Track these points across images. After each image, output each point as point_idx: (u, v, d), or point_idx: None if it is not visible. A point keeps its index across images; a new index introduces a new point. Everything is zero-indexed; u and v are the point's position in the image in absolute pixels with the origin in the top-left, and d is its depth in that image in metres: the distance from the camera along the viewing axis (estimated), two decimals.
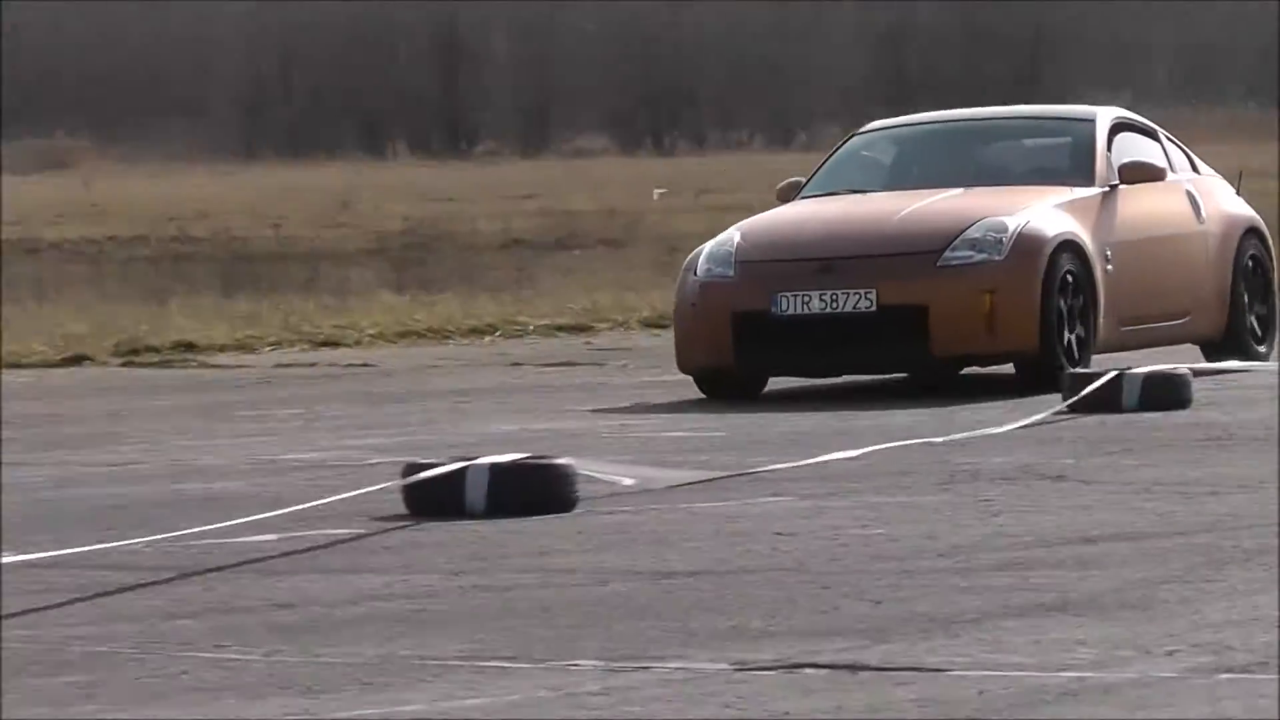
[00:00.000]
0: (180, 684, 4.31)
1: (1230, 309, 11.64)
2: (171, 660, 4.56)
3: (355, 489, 6.71)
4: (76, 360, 14.11)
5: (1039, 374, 10.08)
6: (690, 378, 10.64)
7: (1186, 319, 11.49)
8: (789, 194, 11.63)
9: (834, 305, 10.16)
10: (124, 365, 14.14)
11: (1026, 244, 10.21)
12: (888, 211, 10.86)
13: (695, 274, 10.70)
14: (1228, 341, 11.64)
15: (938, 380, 10.58)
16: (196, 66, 67.69)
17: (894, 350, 10.22)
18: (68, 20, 67.67)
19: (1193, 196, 11.78)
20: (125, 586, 5.58)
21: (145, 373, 13.81)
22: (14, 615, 5.13)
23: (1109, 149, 11.39)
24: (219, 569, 5.83)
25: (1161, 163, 11.69)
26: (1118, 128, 11.76)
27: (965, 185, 11.19)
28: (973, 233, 10.22)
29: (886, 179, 11.67)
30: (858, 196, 11.35)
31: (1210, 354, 11.62)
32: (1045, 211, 10.60)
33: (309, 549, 6.19)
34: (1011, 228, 10.25)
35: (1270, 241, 12.29)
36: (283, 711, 4.01)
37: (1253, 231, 12.08)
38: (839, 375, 10.63)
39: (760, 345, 10.37)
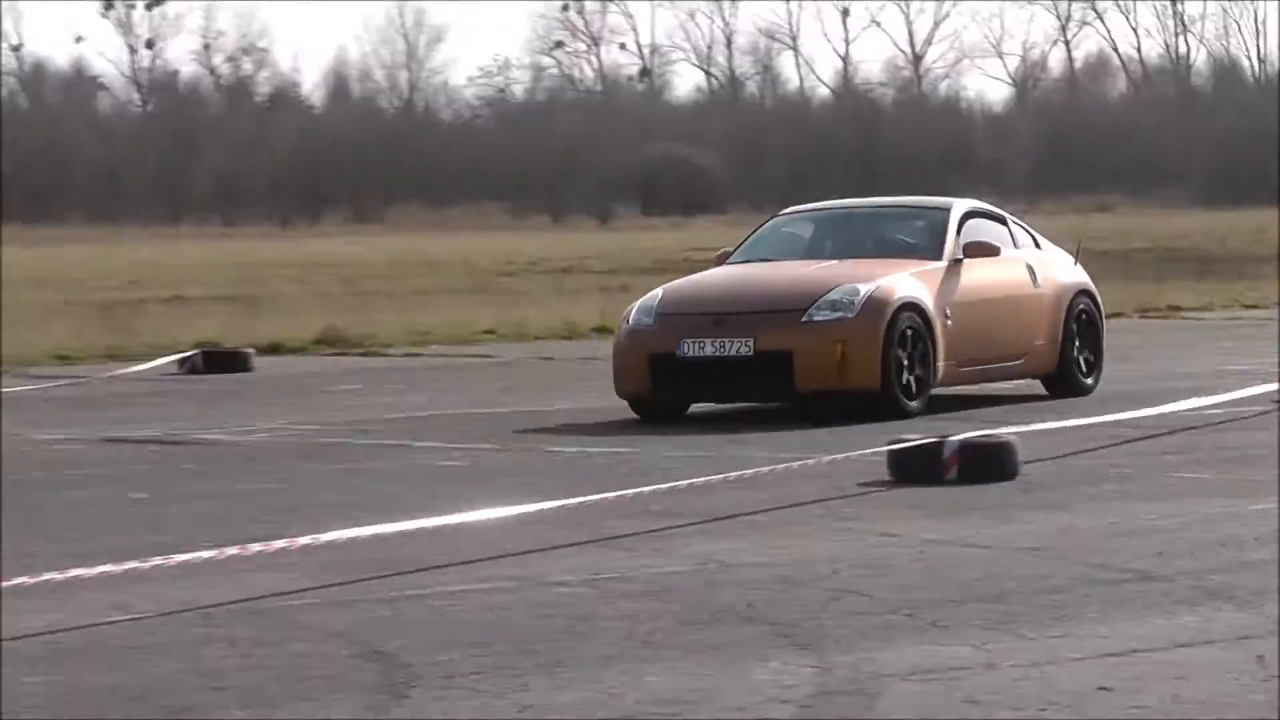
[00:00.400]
0: None
1: (1060, 352, 14.65)
2: None
3: None
4: None
5: (881, 406, 13.00)
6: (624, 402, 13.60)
7: (1022, 359, 14.44)
8: (720, 260, 14.70)
9: (721, 350, 13.12)
10: None
11: (874, 305, 13.08)
12: (773, 277, 13.85)
13: (628, 321, 13.66)
14: (1059, 376, 14.69)
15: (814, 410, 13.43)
16: None
17: (767, 386, 13.16)
18: None
19: (1031, 267, 14.78)
20: None
21: None
22: None
23: (958, 231, 14.35)
24: None
25: (1001, 242, 14.64)
26: (970, 215, 14.76)
27: (849, 257, 14.16)
28: (832, 295, 13.11)
29: (791, 251, 14.62)
30: (762, 264, 14.33)
31: (1048, 385, 14.68)
32: (897, 279, 13.48)
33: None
34: (863, 292, 13.12)
35: (1099, 300, 15.30)
36: None
37: (1083, 293, 15.07)
38: (728, 403, 13.55)
39: (669, 380, 13.30)
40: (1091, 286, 15.31)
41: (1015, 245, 14.90)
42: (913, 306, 13.36)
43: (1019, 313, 14.50)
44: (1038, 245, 15.24)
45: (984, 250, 14.23)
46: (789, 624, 6.58)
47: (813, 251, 14.53)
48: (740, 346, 13.06)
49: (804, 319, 13.01)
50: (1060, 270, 15.07)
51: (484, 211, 78.58)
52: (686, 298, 13.77)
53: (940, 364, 13.52)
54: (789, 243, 14.86)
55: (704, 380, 13.23)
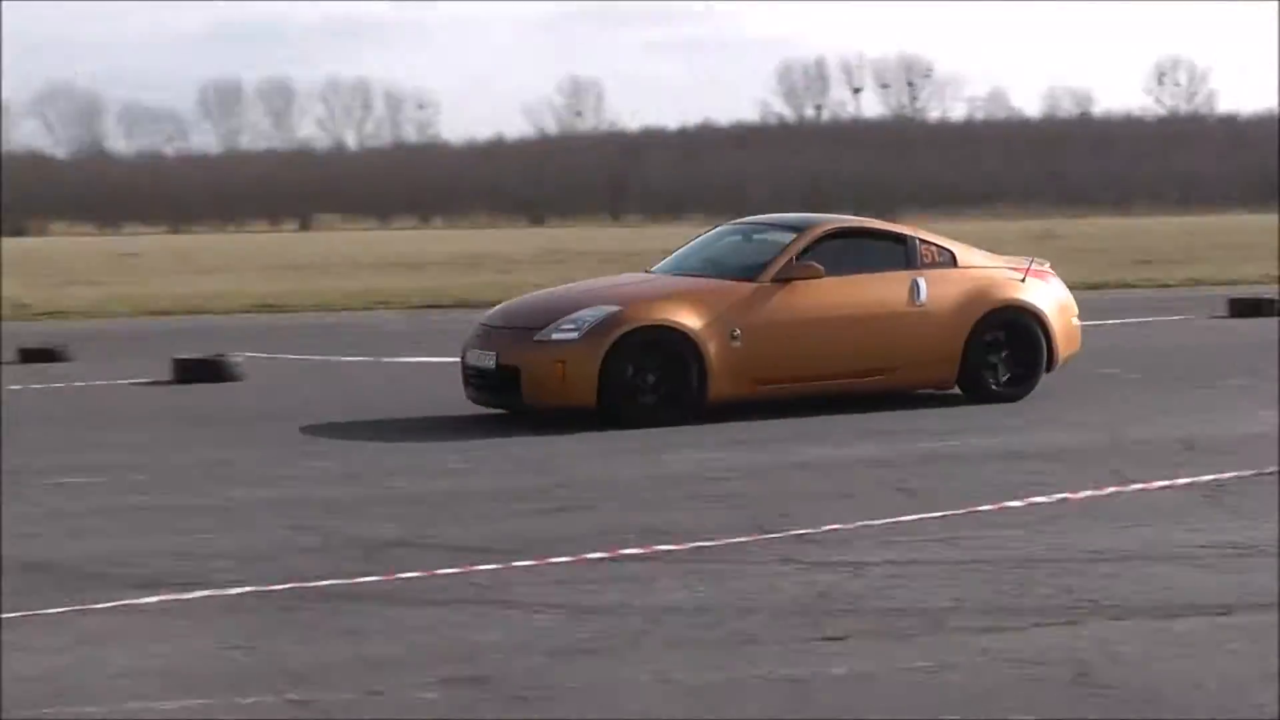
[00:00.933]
0: None
1: (962, 366, 14.96)
2: None
3: None
4: None
5: (604, 416, 13.82)
6: None
7: (892, 372, 14.77)
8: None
9: (480, 361, 14.43)
10: None
11: (603, 327, 13.67)
12: (558, 295, 14.80)
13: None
14: (967, 388, 15.05)
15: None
16: None
17: (505, 396, 14.33)
18: None
19: (916, 285, 14.91)
20: None
21: None
22: None
23: (802, 254, 14.67)
24: None
25: (888, 261, 14.91)
26: (835, 235, 14.95)
27: (693, 275, 14.92)
28: (575, 315, 13.91)
29: (685, 266, 15.28)
30: (589, 280, 15.50)
31: (966, 392, 15.03)
32: (663, 302, 14.11)
33: None
34: (602, 315, 13.82)
35: (1041, 314, 15.24)
36: None
37: (1010, 308, 15.12)
38: (496, 409, 14.77)
39: (467, 384, 14.87)
40: (1030, 302, 15.26)
41: (914, 264, 15.07)
42: (664, 329, 14.11)
43: (873, 330, 14.74)
44: (955, 264, 15.23)
45: (805, 273, 14.57)
46: None
47: (682, 267, 15.39)
48: (488, 359, 14.37)
49: (536, 337, 14.14)
50: (974, 287, 15.08)
51: None
52: (500, 309, 15.06)
53: (716, 382, 14.08)
54: (688, 256, 15.75)
55: (477, 386, 14.70)
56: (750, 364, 14.26)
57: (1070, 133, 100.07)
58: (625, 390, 13.92)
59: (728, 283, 14.58)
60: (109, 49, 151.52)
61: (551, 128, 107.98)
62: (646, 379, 14.03)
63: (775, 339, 14.36)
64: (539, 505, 10.50)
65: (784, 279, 14.53)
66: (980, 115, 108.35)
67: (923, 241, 15.32)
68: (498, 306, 15.48)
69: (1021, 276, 15.43)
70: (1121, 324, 23.49)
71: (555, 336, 13.98)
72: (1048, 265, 16.09)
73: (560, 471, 11.83)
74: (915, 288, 14.91)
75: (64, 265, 46.11)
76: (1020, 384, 15.27)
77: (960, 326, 15.01)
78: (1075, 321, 15.81)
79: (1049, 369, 15.46)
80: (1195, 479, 10.87)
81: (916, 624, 7.37)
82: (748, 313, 14.34)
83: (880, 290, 14.88)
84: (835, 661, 6.83)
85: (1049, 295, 15.56)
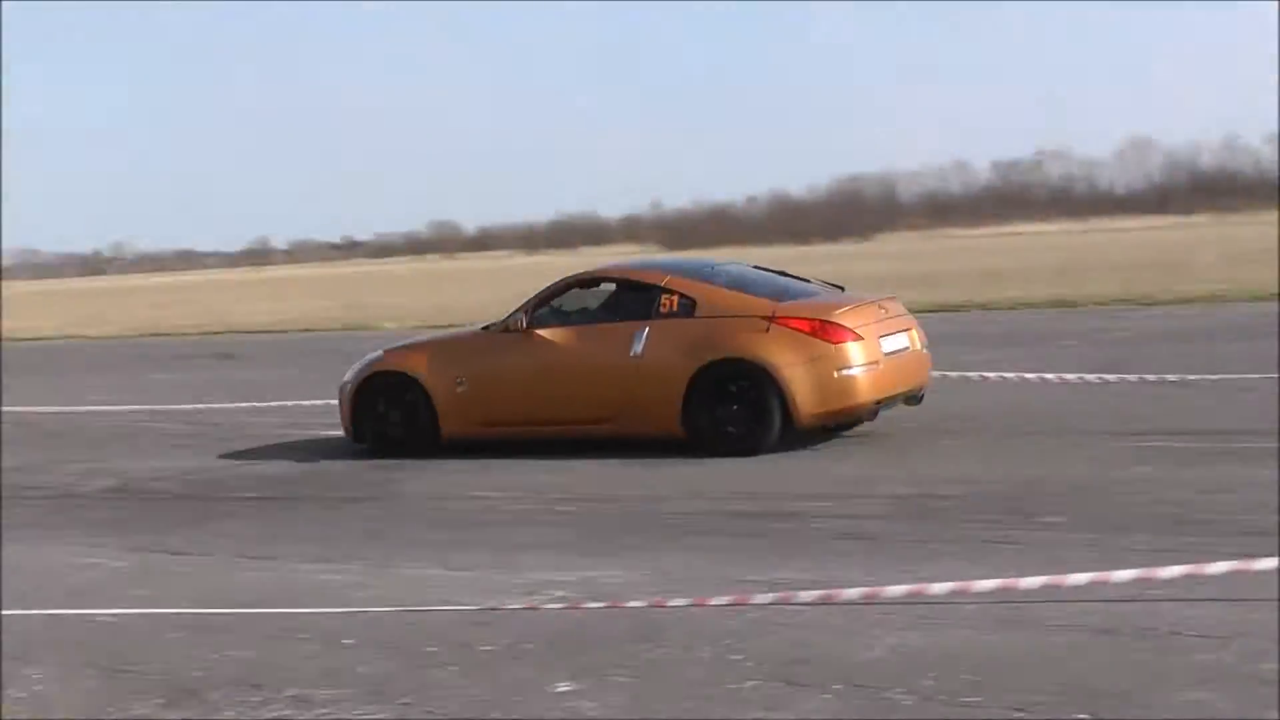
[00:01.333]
0: None
1: (683, 417, 15.08)
2: None
3: None
4: None
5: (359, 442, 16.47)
6: None
7: (612, 420, 15.39)
8: None
9: None
10: None
11: (362, 371, 16.47)
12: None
13: None
14: (693, 438, 15.07)
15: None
16: None
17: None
18: None
19: (636, 337, 15.39)
20: None
21: None
22: None
23: (540, 304, 15.89)
24: None
25: (630, 311, 15.47)
26: (584, 283, 15.94)
27: (466, 328, 17.43)
28: (363, 359, 16.82)
29: None
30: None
31: (695, 443, 15.01)
32: (409, 349, 16.51)
33: None
34: (367, 360, 16.60)
35: (773, 369, 14.82)
36: None
37: (739, 361, 14.91)
38: None
39: None
40: (758, 354, 14.92)
41: (650, 315, 15.47)
42: (396, 375, 16.28)
43: (591, 380, 15.53)
44: (694, 313, 15.28)
45: (515, 325, 15.97)
46: None
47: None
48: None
49: (343, 379, 16.95)
50: (701, 337, 15.15)
51: None
52: None
53: (444, 421, 16.11)
54: None
55: None
56: (474, 408, 16.07)
57: None
58: (374, 423, 16.44)
59: (472, 333, 16.49)
60: None
61: None
62: (390, 416, 16.49)
63: (498, 385, 16.07)
64: None
65: (508, 329, 16.09)
66: None
67: (665, 291, 15.47)
68: None
69: (766, 326, 15.07)
70: None
71: (347, 376, 16.96)
72: (883, 308, 15.65)
73: None
74: (634, 339, 15.48)
75: None
76: (752, 437, 15.01)
77: (678, 378, 15.15)
78: (842, 374, 14.93)
79: (793, 423, 14.98)
80: None
81: None
82: (474, 361, 16.14)
83: (605, 341, 15.56)
84: None
85: (798, 347, 14.97)
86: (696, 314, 15.31)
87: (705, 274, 15.89)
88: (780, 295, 15.60)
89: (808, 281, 16.56)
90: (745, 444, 14.99)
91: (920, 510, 11.72)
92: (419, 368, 16.28)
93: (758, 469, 14.28)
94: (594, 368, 15.54)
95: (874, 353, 15.16)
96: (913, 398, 16.05)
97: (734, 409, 15.05)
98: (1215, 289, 35.53)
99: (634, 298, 15.65)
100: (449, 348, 16.40)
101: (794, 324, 15.03)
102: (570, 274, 16.34)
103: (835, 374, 14.93)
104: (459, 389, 16.09)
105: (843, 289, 16.56)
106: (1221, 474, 12.40)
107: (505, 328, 16.09)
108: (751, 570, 9.91)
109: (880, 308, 15.68)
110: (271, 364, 31.20)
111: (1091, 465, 13.34)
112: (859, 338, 15.04)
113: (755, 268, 16.86)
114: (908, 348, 15.81)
